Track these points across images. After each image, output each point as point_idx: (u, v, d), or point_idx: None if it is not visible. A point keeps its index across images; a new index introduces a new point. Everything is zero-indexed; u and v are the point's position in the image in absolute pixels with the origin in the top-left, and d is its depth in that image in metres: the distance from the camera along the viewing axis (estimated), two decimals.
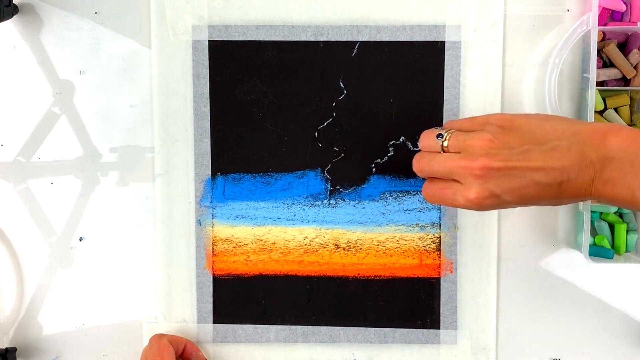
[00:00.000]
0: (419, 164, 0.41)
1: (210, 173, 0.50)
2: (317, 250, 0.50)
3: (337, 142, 0.49)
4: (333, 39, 0.48)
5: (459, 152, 0.38)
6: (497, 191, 0.36)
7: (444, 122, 0.49)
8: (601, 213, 0.49)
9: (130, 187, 0.51)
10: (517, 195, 0.36)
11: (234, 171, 0.50)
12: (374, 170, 0.49)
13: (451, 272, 0.49)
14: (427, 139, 0.40)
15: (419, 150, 0.49)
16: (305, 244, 0.50)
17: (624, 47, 0.48)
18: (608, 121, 0.48)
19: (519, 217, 0.50)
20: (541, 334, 0.50)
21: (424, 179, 0.50)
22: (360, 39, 0.48)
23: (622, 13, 0.48)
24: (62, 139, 0.51)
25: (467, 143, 0.38)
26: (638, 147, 0.36)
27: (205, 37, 0.49)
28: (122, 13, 0.50)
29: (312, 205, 0.50)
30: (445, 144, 0.39)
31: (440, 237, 0.49)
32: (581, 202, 0.48)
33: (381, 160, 0.49)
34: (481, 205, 0.37)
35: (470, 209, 0.39)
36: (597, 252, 0.48)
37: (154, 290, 0.51)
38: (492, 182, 0.36)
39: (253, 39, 0.49)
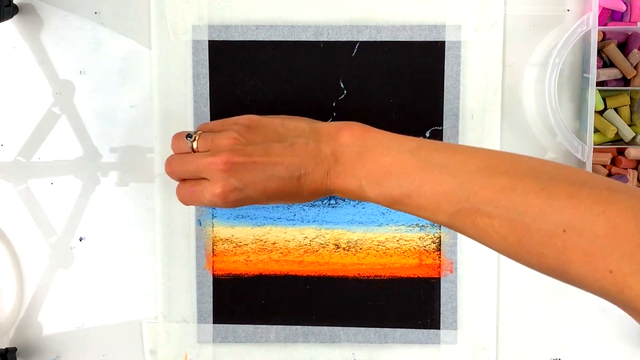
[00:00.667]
0: (169, 166, 0.41)
1: None
2: (317, 251, 0.50)
3: None
4: (333, 39, 0.48)
5: (208, 151, 0.39)
6: (239, 185, 0.38)
7: (444, 121, 0.49)
8: None
9: (130, 187, 0.51)
10: (259, 189, 0.38)
11: None
12: None
13: (451, 272, 0.49)
14: (177, 140, 0.42)
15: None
16: (306, 244, 0.50)
17: (624, 47, 0.48)
18: (608, 121, 0.48)
19: None
20: (541, 334, 0.50)
21: None
22: (360, 39, 0.48)
23: (622, 13, 0.48)
24: (62, 139, 0.51)
25: (214, 142, 0.39)
26: (365, 139, 0.38)
27: (205, 37, 0.49)
28: (122, 13, 0.50)
29: (312, 205, 0.50)
30: (194, 145, 0.40)
31: (440, 237, 0.49)
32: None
33: None
34: (226, 199, 0.38)
35: (217, 206, 0.39)
36: None
37: (154, 290, 0.51)
38: (236, 177, 0.38)
39: (253, 39, 0.49)
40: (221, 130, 0.40)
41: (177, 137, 0.42)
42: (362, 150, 0.38)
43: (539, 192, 0.31)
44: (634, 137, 0.48)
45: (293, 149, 0.38)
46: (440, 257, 0.49)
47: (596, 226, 0.29)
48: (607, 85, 0.48)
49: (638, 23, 0.48)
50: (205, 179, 0.39)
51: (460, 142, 0.49)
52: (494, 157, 0.35)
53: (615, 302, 0.31)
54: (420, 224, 0.50)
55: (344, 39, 0.48)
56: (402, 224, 0.50)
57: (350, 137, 0.38)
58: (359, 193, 0.38)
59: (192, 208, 0.50)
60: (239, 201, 0.39)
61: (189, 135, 0.41)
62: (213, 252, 0.50)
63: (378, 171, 0.37)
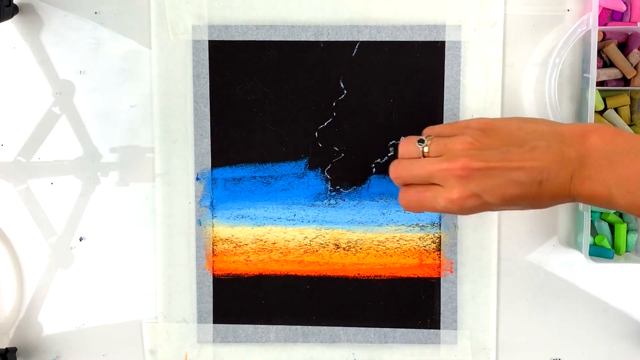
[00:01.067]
0: (396, 170, 0.40)
1: (210, 173, 0.50)
2: (317, 250, 0.50)
3: (337, 142, 0.49)
4: (333, 39, 0.48)
5: (440, 156, 0.38)
6: (478, 191, 0.37)
7: (444, 121, 0.49)
8: (601, 213, 0.49)
9: (130, 187, 0.51)
10: (498, 195, 0.36)
11: (234, 171, 0.50)
12: (374, 170, 0.49)
13: (451, 272, 0.49)
14: (408, 145, 0.40)
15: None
16: (306, 244, 0.50)
17: (624, 47, 0.48)
18: (609, 121, 0.48)
19: (519, 217, 0.50)
20: (541, 334, 0.50)
21: None
22: (360, 39, 0.48)
23: (622, 13, 0.48)
24: (62, 139, 0.51)
25: (448, 147, 0.38)
26: (616, 144, 0.36)
27: (205, 37, 0.49)
28: (122, 13, 0.50)
29: (312, 205, 0.50)
30: (426, 149, 0.39)
31: (440, 237, 0.49)
32: (580, 203, 0.48)
33: (381, 160, 0.49)
34: (463, 206, 0.37)
35: (451, 212, 0.38)
36: (597, 252, 0.48)
37: (154, 290, 0.51)
38: (474, 183, 0.36)
39: (253, 39, 0.49)
40: (451, 134, 0.39)
41: (406, 141, 0.41)
42: (613, 154, 0.35)
43: None
44: None
45: (533, 153, 0.36)
46: (440, 257, 0.49)
47: None
48: (607, 85, 0.48)
49: (638, 23, 0.48)
50: (435, 184, 0.38)
51: None
52: None
53: None
54: (420, 224, 0.50)
55: (344, 39, 0.48)
56: (402, 224, 0.50)
57: (598, 140, 0.36)
58: (607, 201, 0.35)
59: (191, 208, 0.50)
60: (475, 208, 0.37)
61: (421, 141, 0.39)
62: (213, 252, 0.50)
63: (631, 178, 0.34)
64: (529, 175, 0.36)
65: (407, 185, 0.40)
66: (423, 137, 0.40)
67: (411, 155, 0.40)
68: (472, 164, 0.36)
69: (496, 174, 0.36)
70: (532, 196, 0.36)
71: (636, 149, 0.35)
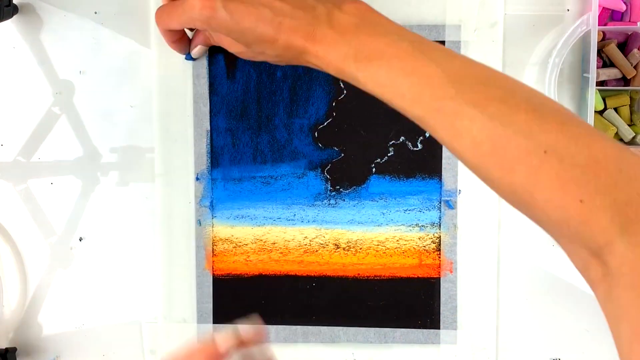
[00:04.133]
0: None
1: (210, 173, 0.50)
2: (317, 250, 0.50)
3: (337, 142, 0.49)
4: None
5: None
6: (219, 4, 0.36)
7: None
8: None
9: (130, 187, 0.51)
10: (237, 16, 0.36)
11: (234, 171, 0.50)
12: (374, 170, 0.49)
13: (451, 272, 0.49)
14: None
15: (419, 150, 0.49)
16: (305, 244, 0.50)
17: (624, 47, 0.48)
18: (608, 121, 0.48)
19: (518, 217, 0.50)
20: (541, 334, 0.50)
21: (423, 180, 0.50)
22: None
23: (622, 13, 0.48)
24: (62, 139, 0.51)
25: None
26: (367, 15, 0.36)
27: None
28: (122, 13, 0.50)
29: (312, 205, 0.50)
30: None
31: (440, 237, 0.49)
32: None
33: (381, 160, 0.49)
34: (202, 11, 0.36)
35: (193, 20, 0.37)
36: None
37: (154, 290, 0.51)
38: None
39: None
40: None
41: None
42: (361, 23, 0.36)
43: (530, 111, 0.31)
44: (634, 137, 0.48)
45: None
46: (440, 257, 0.49)
47: (579, 155, 0.29)
48: (607, 85, 0.48)
49: (638, 23, 0.48)
50: None
51: None
52: (493, 71, 0.34)
53: (571, 235, 0.31)
54: (420, 224, 0.50)
55: None
56: (402, 224, 0.50)
57: (353, 8, 0.36)
58: (338, 64, 0.35)
59: (191, 208, 0.50)
60: (215, 20, 0.36)
61: None
62: (213, 252, 0.50)
63: (371, 46, 0.35)
64: (272, 12, 0.36)
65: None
66: None
67: None
68: None
69: None
70: (268, 33, 0.36)
71: (384, 26, 0.36)
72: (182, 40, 0.45)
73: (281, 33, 0.36)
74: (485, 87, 0.32)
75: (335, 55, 0.36)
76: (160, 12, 0.41)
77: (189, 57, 0.48)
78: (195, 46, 0.46)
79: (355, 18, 0.36)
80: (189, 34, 0.47)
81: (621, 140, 0.49)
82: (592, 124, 0.46)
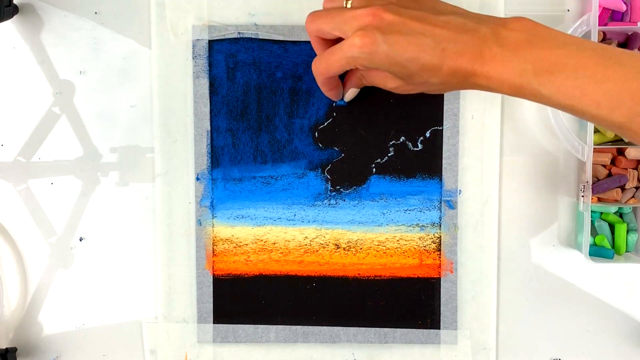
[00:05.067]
0: (312, 17, 0.39)
1: (210, 173, 0.50)
2: (317, 251, 0.50)
3: (337, 142, 0.49)
4: None
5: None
6: (381, 39, 0.36)
7: (444, 121, 0.49)
8: (601, 213, 0.49)
9: (130, 187, 0.51)
10: (399, 49, 0.35)
11: (234, 171, 0.50)
12: (374, 170, 0.49)
13: (451, 272, 0.49)
14: (333, 1, 0.40)
15: (419, 150, 0.49)
16: (306, 244, 0.50)
17: (624, 47, 0.48)
18: None
19: (518, 217, 0.50)
20: (541, 334, 0.50)
21: (423, 180, 0.50)
22: None
23: (622, 13, 0.48)
24: (62, 139, 0.51)
25: (369, 2, 0.37)
26: (537, 30, 0.35)
27: (205, 37, 0.49)
28: (122, 13, 0.50)
29: (312, 206, 0.50)
30: (349, 4, 0.38)
31: (440, 237, 0.49)
32: (581, 202, 0.48)
33: (381, 160, 0.49)
34: (363, 48, 0.36)
35: (353, 59, 0.37)
36: (597, 252, 0.48)
37: (154, 290, 0.51)
38: (380, 31, 0.36)
39: (253, 39, 0.49)
40: None
41: None
42: (533, 38, 0.34)
43: None
44: None
45: (447, 22, 0.36)
46: (440, 257, 0.49)
47: None
48: None
49: (638, 23, 0.48)
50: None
51: (460, 142, 0.49)
52: None
53: None
54: (420, 224, 0.50)
55: None
56: (402, 224, 0.50)
57: (519, 25, 0.35)
58: (515, 81, 0.34)
59: (191, 208, 0.50)
60: (376, 55, 0.36)
61: None
62: (213, 252, 0.50)
63: (550, 60, 0.33)
64: (435, 39, 0.35)
65: (321, 42, 0.40)
66: None
67: (333, 3, 0.40)
68: (383, 13, 0.36)
69: (404, 29, 0.36)
70: (432, 61, 0.35)
71: (558, 38, 0.35)
72: (338, 87, 0.45)
73: (446, 59, 0.35)
74: None
75: (510, 73, 0.34)
76: (318, 62, 0.40)
77: (341, 102, 0.48)
78: (348, 90, 0.46)
79: (524, 34, 0.35)
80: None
81: (620, 140, 0.49)
82: (592, 124, 0.46)
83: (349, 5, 0.38)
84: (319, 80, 0.42)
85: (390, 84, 0.40)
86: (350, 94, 0.46)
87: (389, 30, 0.36)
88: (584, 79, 0.33)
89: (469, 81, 0.36)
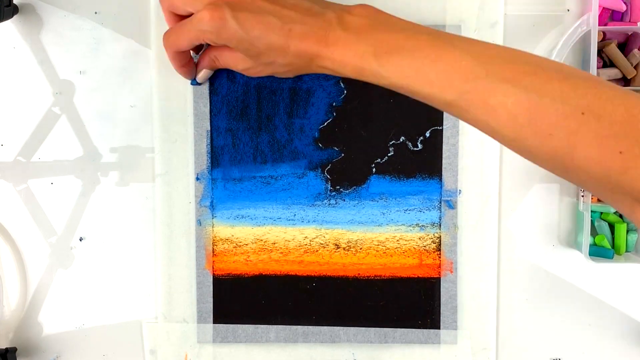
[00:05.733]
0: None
1: (210, 173, 0.50)
2: (317, 250, 0.50)
3: (337, 142, 0.49)
4: None
5: None
6: (229, 15, 0.37)
7: (444, 121, 0.49)
8: (601, 213, 0.49)
9: (130, 187, 0.51)
10: (246, 26, 0.37)
11: (234, 171, 0.50)
12: (374, 170, 0.49)
13: (451, 272, 0.49)
14: None
15: (419, 150, 0.49)
16: (306, 244, 0.50)
17: (624, 47, 0.48)
18: None
19: (519, 217, 0.50)
20: (541, 334, 0.50)
21: (423, 180, 0.50)
22: None
23: (622, 13, 0.48)
24: (62, 139, 0.51)
25: None
26: (379, 15, 0.37)
27: None
28: (122, 13, 0.50)
29: (312, 205, 0.50)
30: None
31: (440, 237, 0.49)
32: (581, 202, 0.48)
33: (381, 160, 0.49)
34: (212, 22, 0.37)
35: (202, 35, 0.38)
36: (597, 252, 0.48)
37: (154, 290, 0.51)
38: (229, 6, 0.37)
39: None
40: None
41: None
42: (374, 23, 0.36)
43: (562, 79, 0.32)
44: None
45: (295, 5, 0.37)
46: (440, 257, 0.49)
47: (615, 113, 0.31)
48: None
49: (638, 23, 0.48)
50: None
51: (460, 142, 0.49)
52: (517, 51, 0.35)
53: (613, 187, 0.32)
54: (420, 224, 0.50)
55: None
56: (402, 224, 0.50)
57: (363, 11, 0.37)
58: (357, 63, 0.36)
59: (191, 208, 0.50)
60: (225, 30, 0.37)
61: None
62: (213, 252, 0.50)
63: (390, 42, 0.35)
64: (282, 20, 0.37)
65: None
66: None
67: None
68: None
69: (253, 7, 0.37)
70: (278, 41, 0.37)
71: (398, 24, 0.37)
72: (189, 64, 0.46)
73: (292, 39, 0.37)
74: (513, 64, 0.33)
75: (352, 54, 0.36)
76: (168, 34, 0.41)
77: (194, 82, 0.48)
78: (201, 70, 0.46)
79: (367, 19, 0.37)
80: (194, 58, 0.47)
81: None
82: None
83: None
84: (169, 54, 0.43)
85: (240, 65, 0.42)
86: (203, 74, 0.47)
87: (238, 7, 0.37)
88: (419, 60, 0.35)
89: (314, 62, 0.38)
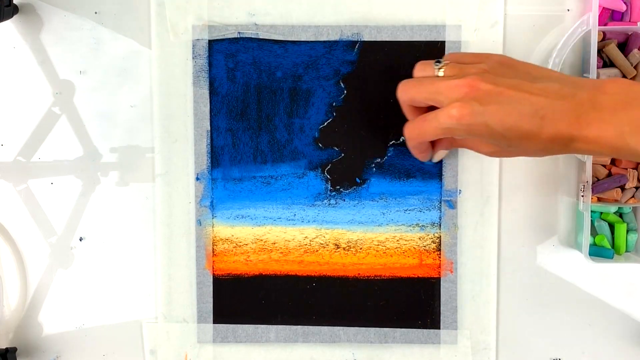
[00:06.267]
0: (404, 87, 0.40)
1: (210, 173, 0.50)
2: (317, 250, 0.50)
3: (337, 142, 0.49)
4: (333, 39, 0.48)
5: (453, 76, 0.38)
6: (479, 110, 0.36)
7: None
8: (601, 213, 0.49)
9: (130, 187, 0.51)
10: (498, 119, 0.35)
11: (234, 171, 0.50)
12: (374, 170, 0.49)
13: (451, 272, 0.49)
14: (424, 65, 0.40)
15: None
16: (306, 244, 0.50)
17: (624, 47, 0.48)
18: None
19: (519, 217, 0.50)
20: (541, 334, 0.50)
21: (423, 180, 0.50)
22: (360, 39, 0.48)
23: (622, 13, 0.48)
24: (62, 139, 0.51)
25: (463, 70, 0.37)
26: (633, 90, 0.35)
27: (205, 37, 0.49)
28: (122, 13, 0.50)
29: (312, 205, 0.50)
30: (441, 72, 0.38)
31: (440, 237, 0.49)
32: (581, 202, 0.48)
33: (381, 160, 0.49)
34: (462, 119, 0.36)
35: (450, 130, 0.37)
36: (597, 252, 0.48)
37: (154, 290, 0.51)
38: (477, 101, 0.36)
39: (253, 39, 0.49)
40: (472, 62, 0.38)
41: (424, 63, 0.40)
42: (629, 99, 0.35)
43: None
44: None
45: (544, 89, 0.36)
46: (440, 257, 0.49)
47: None
48: None
49: (638, 23, 0.48)
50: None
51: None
52: None
53: None
54: (420, 224, 0.50)
55: (344, 39, 0.48)
56: (402, 224, 0.50)
57: (615, 87, 0.35)
58: (614, 143, 0.35)
59: (191, 208, 0.50)
60: (475, 126, 0.36)
61: (437, 61, 0.39)
62: (213, 252, 0.50)
63: None
64: (533, 107, 0.35)
65: (414, 110, 0.40)
66: (441, 59, 0.39)
67: (425, 71, 0.40)
68: (480, 83, 0.36)
69: (501, 99, 0.36)
70: (531, 130, 0.36)
71: None
72: (429, 149, 0.44)
73: (545, 127, 0.35)
74: None
75: (609, 136, 0.35)
76: (411, 128, 0.40)
77: (429, 162, 0.47)
78: (438, 151, 0.45)
79: (620, 96, 0.35)
80: None
81: None
82: None
83: (440, 74, 0.38)
84: (410, 144, 0.42)
85: (484, 149, 0.41)
86: (439, 155, 0.46)
87: (486, 101, 0.36)
88: None
89: (569, 146, 0.36)
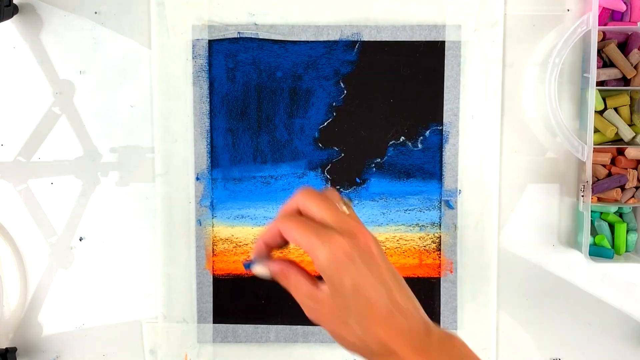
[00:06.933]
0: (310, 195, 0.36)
1: (210, 173, 0.50)
2: None
3: (337, 142, 0.49)
4: (333, 39, 0.48)
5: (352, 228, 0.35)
6: (358, 261, 0.34)
7: (444, 121, 0.49)
8: (601, 213, 0.49)
9: (130, 187, 0.51)
10: (363, 283, 0.35)
11: (234, 171, 0.50)
12: (374, 170, 0.49)
13: (451, 272, 0.49)
14: (334, 193, 0.37)
15: (419, 150, 0.49)
16: None
17: (624, 47, 0.48)
18: (608, 121, 0.48)
19: (518, 217, 0.50)
20: (541, 334, 0.50)
21: (423, 180, 0.50)
22: (360, 39, 0.48)
23: (622, 13, 0.48)
24: (62, 139, 0.51)
25: (359, 230, 0.35)
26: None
27: (205, 37, 0.49)
28: (122, 13, 0.50)
29: None
30: (347, 211, 0.36)
31: (440, 237, 0.49)
32: (581, 202, 0.48)
33: (381, 160, 0.49)
34: (325, 272, 0.34)
35: (318, 257, 0.34)
36: (597, 252, 0.48)
37: (154, 290, 0.51)
38: (350, 269, 0.34)
39: (253, 39, 0.49)
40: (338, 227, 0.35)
41: (333, 191, 0.37)
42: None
43: None
44: (634, 137, 0.48)
45: (408, 298, 0.36)
46: (440, 257, 0.49)
47: None
48: (607, 85, 0.48)
49: (638, 23, 0.48)
50: (329, 236, 0.34)
51: (460, 142, 0.49)
52: None
53: None
54: (420, 224, 0.49)
55: (344, 39, 0.48)
56: (402, 224, 0.50)
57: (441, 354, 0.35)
58: None
59: (191, 208, 0.50)
60: (340, 269, 0.34)
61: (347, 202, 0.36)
62: (213, 252, 0.50)
63: None
64: (391, 303, 0.36)
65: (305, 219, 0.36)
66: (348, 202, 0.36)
67: (333, 198, 0.37)
68: (355, 254, 0.34)
69: (377, 274, 0.35)
70: (376, 315, 0.35)
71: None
72: (264, 253, 0.39)
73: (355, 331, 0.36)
74: None
75: None
76: (289, 224, 0.36)
77: (247, 266, 0.39)
78: (266, 268, 0.39)
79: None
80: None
81: (620, 140, 0.49)
82: (592, 124, 0.46)
83: (345, 210, 0.36)
84: (264, 238, 0.37)
85: (305, 299, 0.38)
86: (262, 271, 0.39)
87: (352, 272, 0.34)
88: None
89: (383, 358, 0.35)
